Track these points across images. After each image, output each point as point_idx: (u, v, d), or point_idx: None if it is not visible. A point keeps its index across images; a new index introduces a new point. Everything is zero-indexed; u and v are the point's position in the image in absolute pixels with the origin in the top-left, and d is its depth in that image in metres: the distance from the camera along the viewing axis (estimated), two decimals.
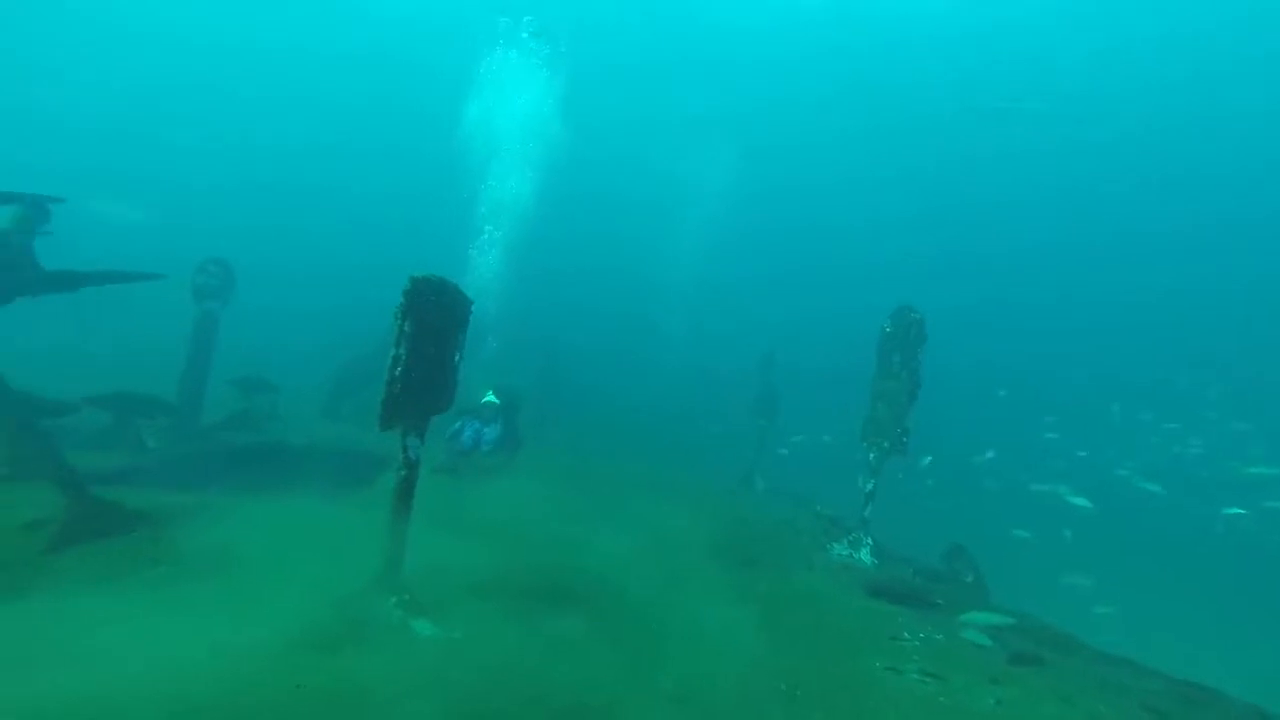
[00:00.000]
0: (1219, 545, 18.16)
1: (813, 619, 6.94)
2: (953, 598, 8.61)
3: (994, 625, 6.99)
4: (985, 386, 28.32)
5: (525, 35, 16.64)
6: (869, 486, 9.85)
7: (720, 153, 36.46)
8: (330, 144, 51.63)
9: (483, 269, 14.18)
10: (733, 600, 7.18)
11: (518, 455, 11.15)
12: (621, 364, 23.45)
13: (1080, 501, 13.13)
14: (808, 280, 53.06)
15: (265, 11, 44.62)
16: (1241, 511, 15.32)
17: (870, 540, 9.66)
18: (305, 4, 43.86)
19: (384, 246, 38.17)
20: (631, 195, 43.98)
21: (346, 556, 5.50)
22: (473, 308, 5.88)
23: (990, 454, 19.73)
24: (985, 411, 26.81)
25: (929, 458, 16.52)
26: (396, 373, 4.95)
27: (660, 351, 25.61)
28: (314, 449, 10.88)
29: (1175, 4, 31.67)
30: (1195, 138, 37.12)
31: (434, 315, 5.21)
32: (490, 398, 10.97)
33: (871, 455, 9.82)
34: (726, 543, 9.33)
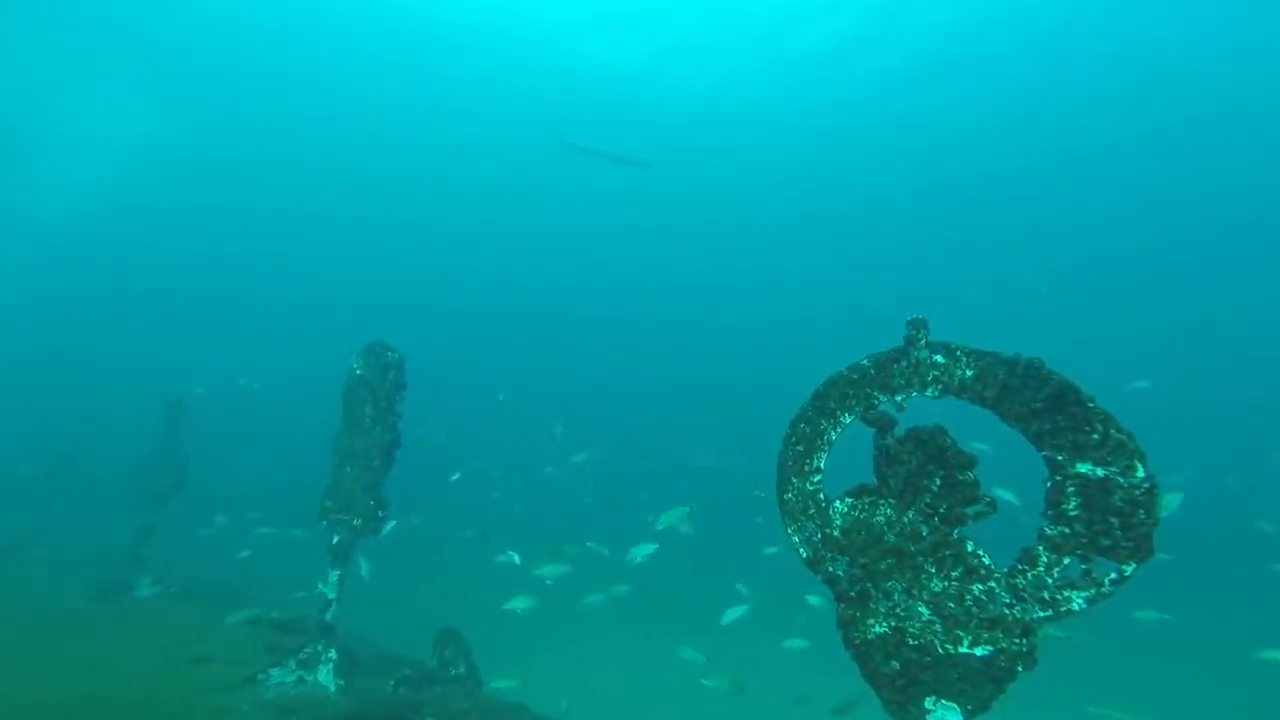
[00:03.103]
0: None
1: None
2: (445, 704, 6.86)
3: None
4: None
5: None
6: (333, 577, 7.37)
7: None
8: None
9: None
10: None
11: None
12: None
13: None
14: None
15: None
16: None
17: (334, 654, 7.15)
18: None
19: None
20: None
21: None
22: None
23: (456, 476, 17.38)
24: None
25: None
26: None
27: None
28: None
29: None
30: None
31: None
32: None
33: (336, 538, 7.37)
34: None
